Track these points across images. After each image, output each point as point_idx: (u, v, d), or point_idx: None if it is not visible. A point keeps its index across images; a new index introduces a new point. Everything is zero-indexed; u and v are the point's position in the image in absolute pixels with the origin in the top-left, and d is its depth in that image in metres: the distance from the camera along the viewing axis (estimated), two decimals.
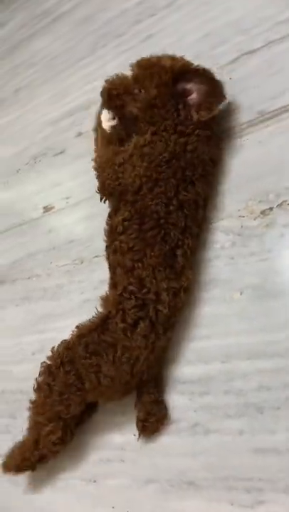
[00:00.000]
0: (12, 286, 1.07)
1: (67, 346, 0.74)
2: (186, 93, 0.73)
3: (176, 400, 0.75)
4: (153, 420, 0.73)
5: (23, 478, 0.88)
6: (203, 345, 0.75)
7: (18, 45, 1.33)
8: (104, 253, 0.78)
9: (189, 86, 0.73)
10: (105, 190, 0.77)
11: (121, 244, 0.71)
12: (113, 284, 0.74)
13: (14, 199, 1.17)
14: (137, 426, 0.75)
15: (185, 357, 0.76)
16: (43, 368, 0.75)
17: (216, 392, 0.72)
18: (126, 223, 0.71)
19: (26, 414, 0.89)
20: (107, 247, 0.76)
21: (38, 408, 0.75)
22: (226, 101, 0.76)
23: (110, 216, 0.76)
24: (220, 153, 0.78)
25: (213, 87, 0.72)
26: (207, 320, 0.76)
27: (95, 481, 0.79)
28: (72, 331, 0.76)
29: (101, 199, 0.80)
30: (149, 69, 0.74)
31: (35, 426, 0.76)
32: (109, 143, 0.80)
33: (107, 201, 0.80)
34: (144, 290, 0.69)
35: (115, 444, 0.79)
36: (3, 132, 1.27)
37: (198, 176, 0.72)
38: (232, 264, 0.76)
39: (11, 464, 0.78)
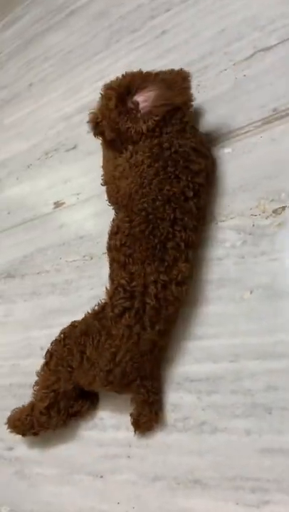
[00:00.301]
0: (22, 281, 1.08)
1: (73, 324, 0.81)
2: (136, 106, 0.77)
3: (183, 397, 0.75)
4: (144, 420, 0.75)
5: (30, 472, 0.89)
6: (211, 344, 0.75)
7: (33, 39, 1.33)
8: None
9: (135, 98, 0.77)
10: (112, 202, 0.84)
11: (115, 241, 0.75)
12: (111, 279, 0.78)
13: (25, 194, 1.17)
14: (131, 423, 0.76)
15: (193, 355, 0.76)
16: (56, 338, 0.82)
17: (224, 391, 0.72)
18: (120, 223, 0.76)
19: None
20: (106, 247, 0.80)
21: (41, 375, 0.82)
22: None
23: (113, 221, 0.81)
24: (201, 141, 0.78)
25: (160, 91, 0.75)
26: (215, 319, 0.75)
27: (101, 477, 0.80)
28: None
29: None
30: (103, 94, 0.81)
31: (35, 392, 0.83)
32: (109, 159, 0.86)
33: None
34: (133, 283, 0.71)
35: (122, 441, 0.80)
36: (16, 127, 1.27)
37: (181, 168, 0.73)
38: (242, 263, 0.76)
39: (10, 420, 0.85)
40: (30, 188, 1.16)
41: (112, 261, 0.77)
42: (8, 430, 0.85)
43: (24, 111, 1.27)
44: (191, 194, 0.73)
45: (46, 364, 0.81)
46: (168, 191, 0.72)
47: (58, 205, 1.08)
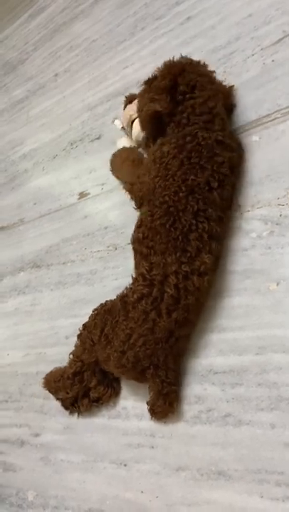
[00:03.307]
0: (48, 271, 1.09)
1: (105, 303, 0.84)
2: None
3: (208, 389, 0.75)
4: (159, 410, 0.76)
5: (55, 458, 0.91)
6: (236, 336, 0.74)
7: (58, 29, 1.33)
8: None
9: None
10: (138, 203, 0.85)
11: (138, 234, 0.78)
12: (135, 268, 0.81)
13: (51, 185, 1.18)
14: (148, 410, 0.78)
15: (217, 347, 0.75)
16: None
17: (249, 384, 0.71)
18: (143, 218, 0.78)
19: None
20: (131, 240, 0.82)
21: (75, 344, 0.87)
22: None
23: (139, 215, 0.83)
24: (230, 134, 0.77)
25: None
26: (240, 311, 0.74)
27: (125, 465, 0.80)
28: None
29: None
30: None
31: (69, 358, 0.89)
32: (135, 163, 0.88)
33: None
34: (153, 272, 0.74)
35: (145, 430, 0.80)
36: (41, 118, 1.28)
37: (205, 159, 0.72)
38: (268, 254, 0.74)
39: (46, 378, 0.91)
40: (56, 178, 1.17)
41: (136, 252, 0.80)
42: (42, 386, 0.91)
43: (50, 101, 1.27)
44: (215, 184, 0.72)
45: (79, 335, 0.86)
46: (192, 181, 0.72)
47: (82, 195, 1.08)
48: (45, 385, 0.90)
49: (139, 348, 0.72)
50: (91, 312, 0.84)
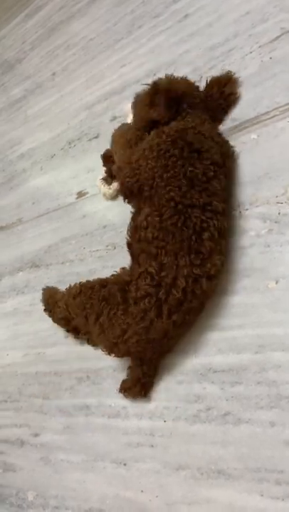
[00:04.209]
0: (47, 271, 1.09)
1: (100, 289, 0.79)
2: None
3: (207, 388, 0.75)
4: (132, 394, 0.81)
5: (55, 458, 0.90)
6: (235, 334, 0.74)
7: (55, 28, 1.33)
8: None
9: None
10: (126, 189, 0.79)
11: (146, 234, 0.74)
12: (137, 263, 0.77)
13: (49, 184, 1.18)
14: (120, 386, 0.83)
15: (217, 346, 0.75)
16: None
17: (248, 382, 0.71)
18: (149, 218, 0.74)
19: (59, 395, 0.92)
20: (129, 242, 0.80)
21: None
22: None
23: (134, 216, 0.79)
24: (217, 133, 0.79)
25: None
26: (240, 309, 0.74)
27: (125, 465, 0.80)
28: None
29: (124, 199, 0.82)
30: None
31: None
32: (130, 143, 0.84)
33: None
34: (163, 273, 0.71)
35: (145, 430, 0.80)
36: (39, 117, 1.28)
37: (207, 147, 0.72)
38: (267, 253, 0.74)
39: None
40: (54, 178, 1.17)
41: (140, 251, 0.76)
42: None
43: (47, 101, 1.27)
44: (211, 174, 0.71)
45: (69, 290, 0.86)
46: (191, 172, 0.70)
47: (81, 195, 1.08)
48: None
49: (131, 345, 0.73)
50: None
